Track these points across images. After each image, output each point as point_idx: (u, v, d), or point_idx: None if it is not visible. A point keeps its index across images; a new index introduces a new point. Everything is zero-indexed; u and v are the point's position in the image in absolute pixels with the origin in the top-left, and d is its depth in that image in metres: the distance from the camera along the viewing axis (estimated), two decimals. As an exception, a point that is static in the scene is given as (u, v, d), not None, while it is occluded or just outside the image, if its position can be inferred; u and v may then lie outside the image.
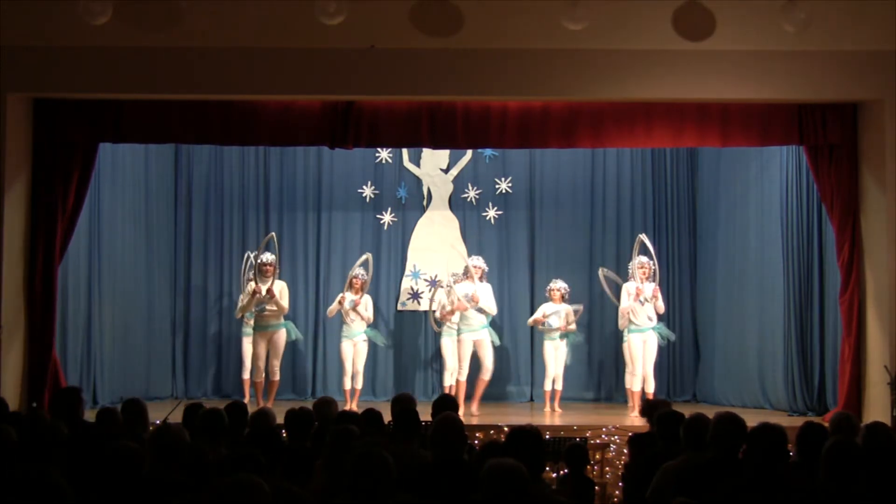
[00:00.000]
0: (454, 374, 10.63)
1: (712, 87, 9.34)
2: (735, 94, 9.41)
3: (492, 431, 8.82)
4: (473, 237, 12.54)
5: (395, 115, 9.71)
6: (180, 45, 9.10)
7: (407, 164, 12.52)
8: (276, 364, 10.89)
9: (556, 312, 11.00)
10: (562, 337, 11.04)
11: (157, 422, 7.01)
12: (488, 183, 12.55)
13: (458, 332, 10.59)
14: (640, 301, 10.50)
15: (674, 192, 12.56)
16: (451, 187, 12.54)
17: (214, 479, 3.77)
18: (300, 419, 5.77)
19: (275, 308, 10.77)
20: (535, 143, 10.14)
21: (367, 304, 10.95)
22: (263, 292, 10.65)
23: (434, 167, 12.51)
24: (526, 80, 9.29)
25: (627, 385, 10.75)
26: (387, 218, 12.52)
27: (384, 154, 12.49)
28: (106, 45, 9.03)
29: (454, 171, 12.53)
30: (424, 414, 5.85)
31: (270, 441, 5.51)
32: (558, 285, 11.11)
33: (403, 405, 6.10)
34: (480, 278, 10.64)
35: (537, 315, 11.17)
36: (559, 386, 10.96)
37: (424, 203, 12.54)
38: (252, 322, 10.99)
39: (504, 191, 12.54)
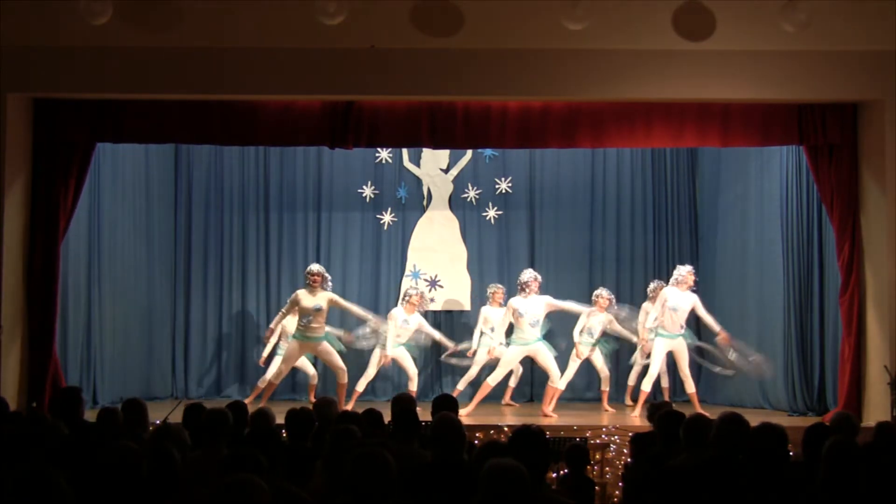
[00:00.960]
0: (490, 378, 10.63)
1: (712, 87, 9.34)
2: (735, 94, 9.41)
3: (492, 431, 8.81)
4: (473, 237, 12.54)
5: (395, 115, 9.70)
6: (180, 45, 9.10)
7: (407, 164, 12.51)
8: (340, 366, 10.51)
9: (600, 321, 11.02)
10: (594, 345, 11.07)
11: (157, 422, 7.02)
12: (488, 183, 12.54)
13: (510, 342, 10.58)
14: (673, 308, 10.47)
15: (674, 191, 12.55)
16: (451, 187, 12.53)
17: (212, 479, 3.76)
18: (300, 419, 5.76)
19: (320, 321, 10.43)
20: (535, 143, 10.13)
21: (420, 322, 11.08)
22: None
23: (434, 167, 12.51)
24: (526, 80, 9.29)
25: (641, 385, 10.73)
26: (387, 218, 12.52)
27: (384, 154, 12.49)
28: (106, 45, 9.02)
29: (454, 171, 12.52)
30: (424, 414, 5.85)
31: (270, 441, 5.50)
32: (607, 293, 11.05)
33: (403, 405, 6.10)
34: (536, 290, 10.52)
35: (580, 326, 11.10)
36: (606, 387, 11.21)
37: (424, 203, 12.53)
38: (295, 331, 10.59)
39: (504, 191, 12.54)
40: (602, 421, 9.83)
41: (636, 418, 10.13)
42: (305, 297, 10.38)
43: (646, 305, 11.17)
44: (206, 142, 10.82)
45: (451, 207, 12.54)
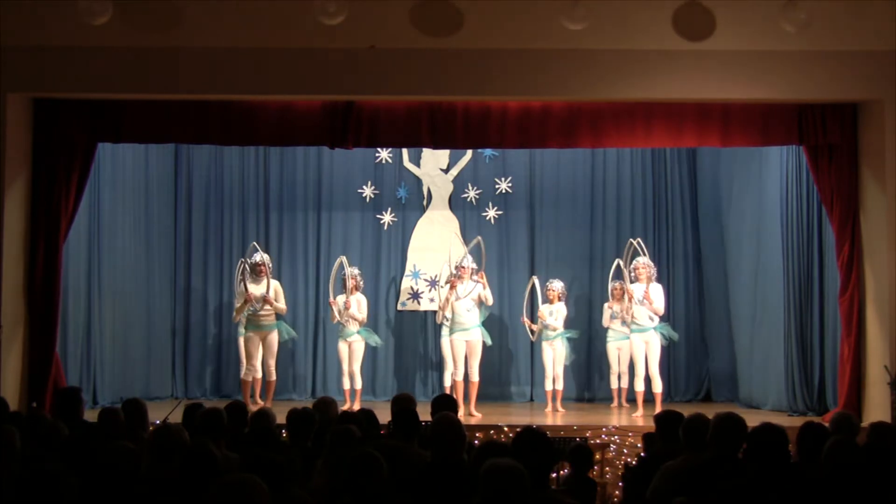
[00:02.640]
0: (453, 375, 10.66)
1: (712, 87, 9.34)
2: (735, 94, 9.41)
3: (492, 431, 8.82)
4: (473, 237, 12.51)
5: (395, 115, 9.70)
6: (181, 46, 9.10)
7: (407, 164, 12.51)
8: (272, 364, 10.87)
9: (552, 313, 11.04)
10: (553, 338, 11.10)
11: (157, 422, 7.02)
12: (488, 183, 12.54)
13: (451, 331, 10.62)
14: (637, 301, 10.55)
15: (674, 191, 12.54)
16: (451, 187, 12.53)
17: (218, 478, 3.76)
18: (301, 419, 5.77)
19: (269, 308, 10.75)
20: (535, 143, 10.14)
21: (359, 304, 10.97)
22: (257, 297, 10.65)
23: (434, 167, 12.50)
24: (526, 80, 9.29)
25: (634, 386, 10.75)
26: (387, 218, 12.51)
27: (384, 154, 12.48)
28: (106, 45, 9.02)
29: (454, 171, 12.52)
30: (424, 414, 5.85)
31: (270, 441, 5.50)
32: (555, 286, 11.15)
33: (403, 405, 6.10)
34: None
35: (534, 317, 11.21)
36: (560, 385, 10.97)
37: (424, 203, 12.53)
38: (246, 321, 10.96)
39: (504, 191, 12.53)
40: (604, 420, 9.83)
41: (639, 418, 10.13)
42: (253, 287, 10.70)
43: (608, 304, 11.30)
44: (206, 142, 10.83)
45: (451, 207, 12.54)
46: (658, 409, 9.88)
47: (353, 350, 10.92)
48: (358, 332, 10.97)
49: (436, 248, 12.29)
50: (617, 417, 10.30)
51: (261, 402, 10.73)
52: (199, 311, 12.44)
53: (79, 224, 9.93)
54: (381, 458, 3.87)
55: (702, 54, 9.09)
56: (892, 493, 4.22)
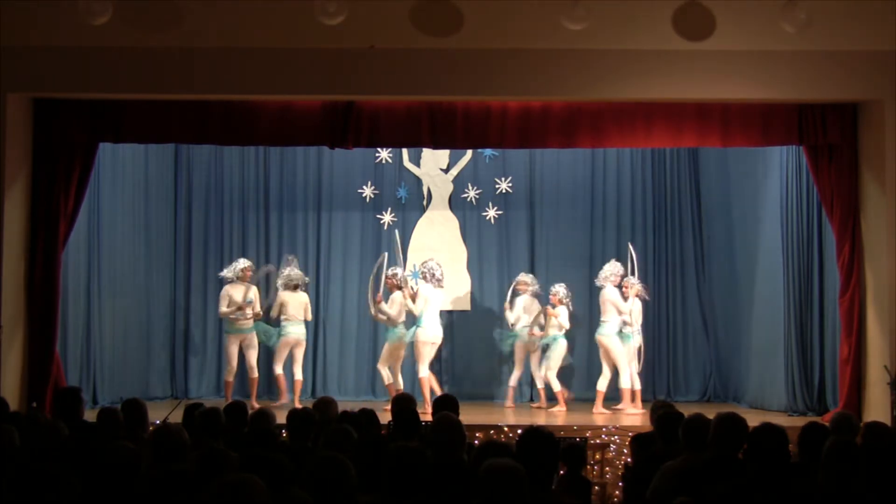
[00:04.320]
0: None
1: (712, 87, 9.34)
2: (735, 94, 9.41)
3: (492, 431, 8.82)
4: (473, 237, 12.53)
5: (395, 115, 9.71)
6: (180, 45, 9.10)
7: (407, 164, 12.51)
8: (252, 364, 11.16)
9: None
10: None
11: (157, 422, 7.02)
12: (488, 183, 12.54)
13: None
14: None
15: (673, 191, 12.54)
16: (451, 187, 12.52)
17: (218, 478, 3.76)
18: (301, 419, 5.77)
19: (251, 313, 10.98)
20: (535, 143, 10.15)
21: (392, 302, 11.13)
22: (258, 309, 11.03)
23: (434, 167, 12.50)
24: (526, 80, 9.29)
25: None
26: (387, 218, 12.51)
27: (384, 154, 12.48)
28: (106, 45, 9.03)
29: (454, 171, 12.52)
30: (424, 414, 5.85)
31: (268, 441, 5.50)
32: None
33: (403, 405, 6.10)
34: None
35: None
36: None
37: (424, 203, 12.53)
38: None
39: (504, 191, 12.53)
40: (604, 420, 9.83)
41: (643, 417, 10.13)
42: (237, 291, 10.88)
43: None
44: (206, 142, 10.83)
45: (451, 207, 12.54)
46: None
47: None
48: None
49: (436, 248, 12.28)
50: (616, 417, 10.30)
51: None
52: (198, 312, 12.43)
53: (79, 224, 9.94)
54: (347, 461, 3.87)
55: (702, 54, 9.09)
56: (890, 493, 4.21)
